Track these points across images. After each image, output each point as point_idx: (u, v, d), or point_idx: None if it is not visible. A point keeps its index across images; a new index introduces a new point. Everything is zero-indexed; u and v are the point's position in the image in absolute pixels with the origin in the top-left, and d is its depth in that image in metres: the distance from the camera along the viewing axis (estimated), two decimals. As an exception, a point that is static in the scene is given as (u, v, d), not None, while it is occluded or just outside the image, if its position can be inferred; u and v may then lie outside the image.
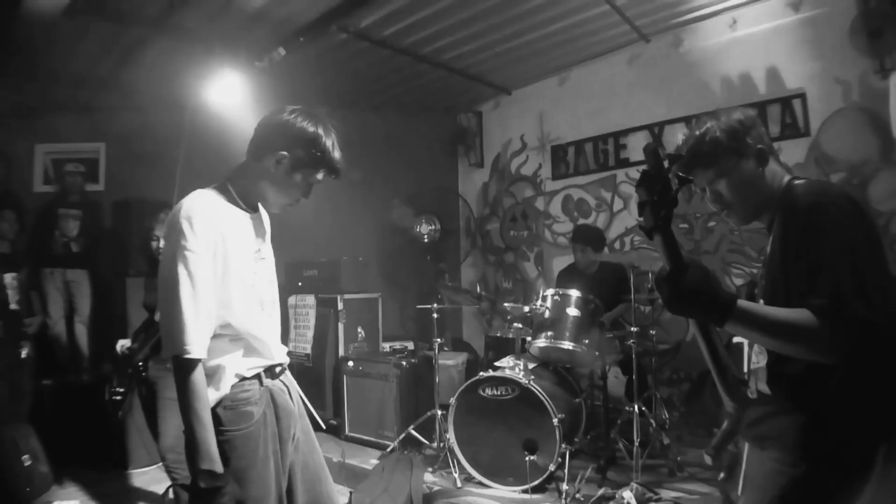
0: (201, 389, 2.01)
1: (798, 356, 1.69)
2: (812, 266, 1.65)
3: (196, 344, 1.99)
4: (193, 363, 1.99)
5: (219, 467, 1.97)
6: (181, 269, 2.00)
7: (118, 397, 4.21)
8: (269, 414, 2.21)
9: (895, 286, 1.68)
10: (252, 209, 2.32)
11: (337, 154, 2.30)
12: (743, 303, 1.60)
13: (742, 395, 1.92)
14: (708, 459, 2.02)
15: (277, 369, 2.33)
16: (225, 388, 2.11)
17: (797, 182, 1.86)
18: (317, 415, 2.56)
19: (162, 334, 2.09)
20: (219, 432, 2.04)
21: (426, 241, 7.92)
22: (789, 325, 1.62)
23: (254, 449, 2.11)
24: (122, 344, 4.21)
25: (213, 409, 2.06)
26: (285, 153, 2.19)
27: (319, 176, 2.29)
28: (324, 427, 2.97)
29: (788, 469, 1.73)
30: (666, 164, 1.53)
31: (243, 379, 2.16)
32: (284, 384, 2.37)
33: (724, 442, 1.97)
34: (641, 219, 1.56)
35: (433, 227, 7.90)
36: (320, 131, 2.26)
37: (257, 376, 2.21)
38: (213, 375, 2.09)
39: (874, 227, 1.73)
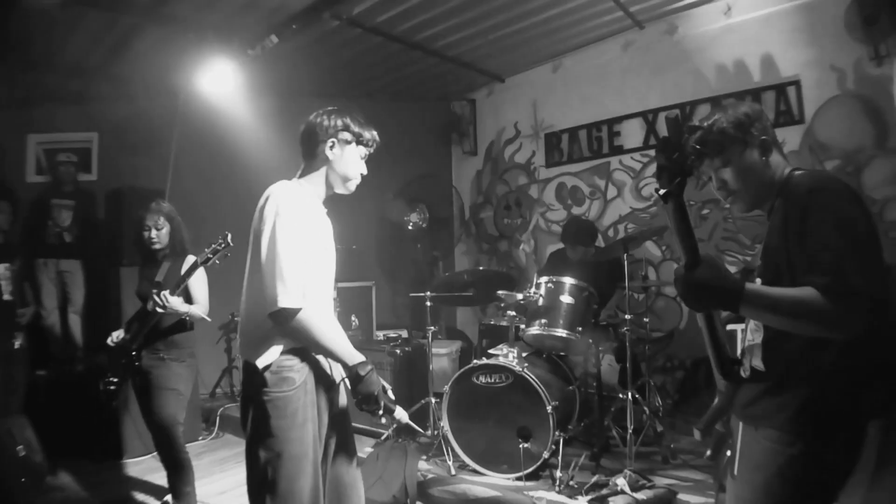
0: (317, 326, 2.37)
1: (809, 334, 1.73)
2: (813, 246, 1.70)
3: (295, 295, 2.30)
4: (294, 313, 2.31)
5: (363, 358, 2.44)
6: (280, 236, 2.34)
7: (112, 387, 4.20)
8: (310, 383, 2.46)
9: (889, 273, 1.71)
10: (324, 207, 2.68)
11: (368, 127, 2.70)
12: (750, 286, 1.70)
13: (735, 374, 1.96)
14: (697, 435, 2.06)
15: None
16: (275, 353, 2.40)
17: (797, 172, 1.94)
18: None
19: (262, 294, 2.35)
20: (263, 393, 2.37)
21: (410, 228, 7.90)
22: (798, 301, 1.66)
23: (293, 411, 2.37)
24: (115, 335, 4.20)
25: (262, 372, 2.37)
26: (333, 138, 2.59)
27: (365, 148, 2.70)
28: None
29: (784, 448, 1.76)
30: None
31: (293, 348, 2.43)
32: (328, 361, 2.58)
33: (713, 419, 2.02)
34: (658, 183, 1.73)
35: (422, 216, 7.89)
36: (349, 115, 2.67)
37: (304, 349, 2.46)
38: (268, 339, 2.41)
39: (871, 215, 1.77)
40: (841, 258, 1.64)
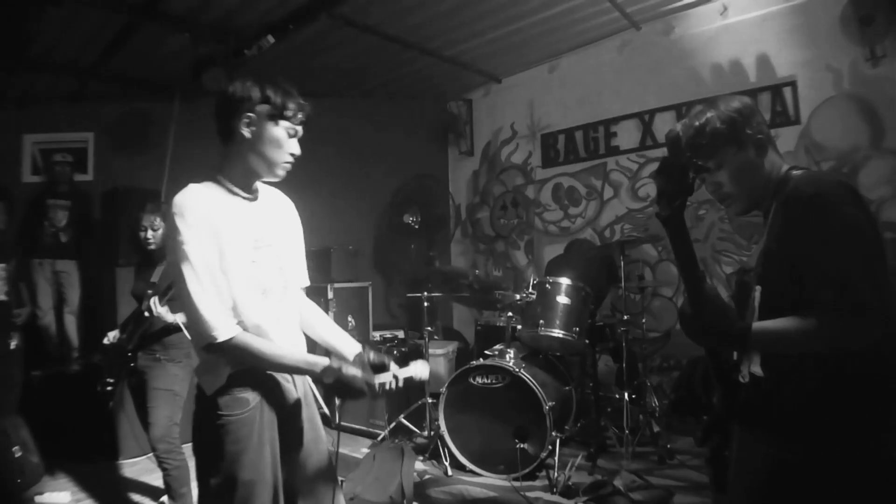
0: (257, 350, 2.10)
1: (812, 350, 1.70)
2: (819, 258, 1.66)
3: (220, 327, 2.04)
4: (227, 344, 2.05)
5: (325, 361, 2.12)
6: (184, 264, 2.03)
7: (108, 388, 4.20)
8: (267, 401, 2.20)
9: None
10: (252, 195, 2.28)
11: (293, 96, 2.21)
12: (756, 327, 1.71)
13: (734, 380, 1.93)
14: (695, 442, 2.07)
15: None
16: (223, 376, 2.13)
17: (795, 172, 1.87)
18: (326, 409, 2.54)
19: (189, 332, 2.15)
20: (216, 416, 2.09)
21: (409, 226, 7.88)
22: (803, 332, 1.65)
23: (248, 434, 2.11)
24: (111, 335, 4.20)
25: (212, 395, 2.11)
26: (250, 114, 2.15)
27: (290, 123, 2.21)
28: (332, 424, 2.98)
29: (781, 453, 1.73)
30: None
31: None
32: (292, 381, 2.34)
33: (712, 427, 1.98)
34: (658, 207, 1.72)
35: (414, 217, 7.88)
36: (269, 81, 2.20)
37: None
38: (215, 363, 2.14)
39: (874, 218, 1.72)
40: (849, 271, 1.60)
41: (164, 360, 4.02)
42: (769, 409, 1.79)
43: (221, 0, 5.39)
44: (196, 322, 2.04)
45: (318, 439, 2.44)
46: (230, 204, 2.21)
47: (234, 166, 2.23)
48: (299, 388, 2.36)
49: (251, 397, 2.14)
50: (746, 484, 1.83)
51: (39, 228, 6.44)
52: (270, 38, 5.65)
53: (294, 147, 2.23)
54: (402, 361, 2.28)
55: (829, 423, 1.68)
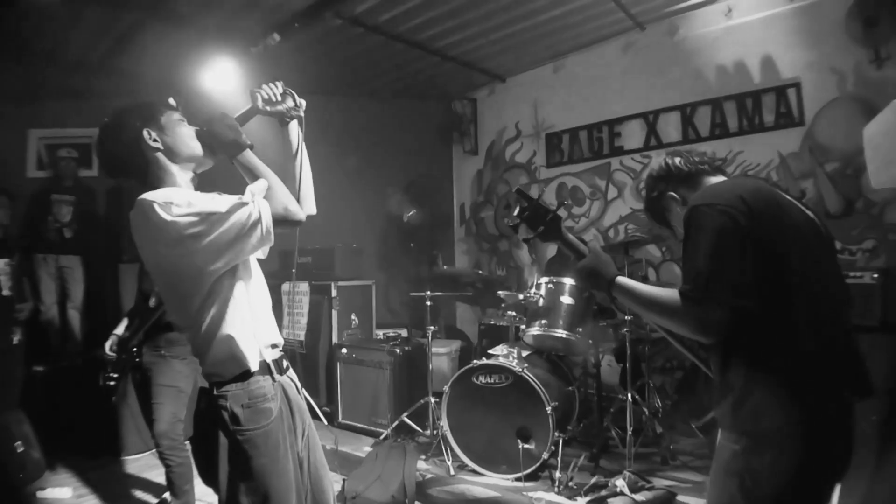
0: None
1: (676, 332, 2.00)
2: (684, 258, 1.92)
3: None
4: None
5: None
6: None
7: (111, 383, 4.21)
8: (285, 409, 2.22)
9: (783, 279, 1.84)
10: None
11: (156, 99, 2.31)
12: (623, 279, 2.08)
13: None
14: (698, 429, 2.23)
15: (285, 364, 2.33)
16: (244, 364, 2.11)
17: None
18: (318, 408, 2.57)
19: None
20: (239, 432, 2.06)
21: (410, 224, 7.89)
22: (658, 301, 1.93)
23: (275, 445, 2.11)
24: (111, 342, 4.21)
25: (233, 409, 2.07)
26: (144, 130, 2.19)
27: (175, 116, 2.29)
28: (325, 422, 3.03)
29: (729, 445, 1.89)
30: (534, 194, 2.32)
31: (255, 373, 2.13)
32: (291, 379, 2.37)
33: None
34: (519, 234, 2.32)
35: (418, 216, 7.89)
36: (124, 110, 2.30)
37: (269, 370, 2.19)
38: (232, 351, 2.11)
39: (743, 228, 1.84)
40: (699, 268, 1.82)
41: (169, 357, 4.05)
42: (721, 406, 1.93)
43: (228, -2, 5.40)
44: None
45: (316, 444, 2.46)
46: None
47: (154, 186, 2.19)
48: (291, 393, 2.35)
49: (273, 406, 2.15)
50: (714, 479, 1.97)
51: (43, 224, 6.45)
52: (276, 36, 5.66)
53: (198, 148, 2.29)
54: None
55: (760, 413, 1.82)
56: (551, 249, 7.19)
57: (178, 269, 2.05)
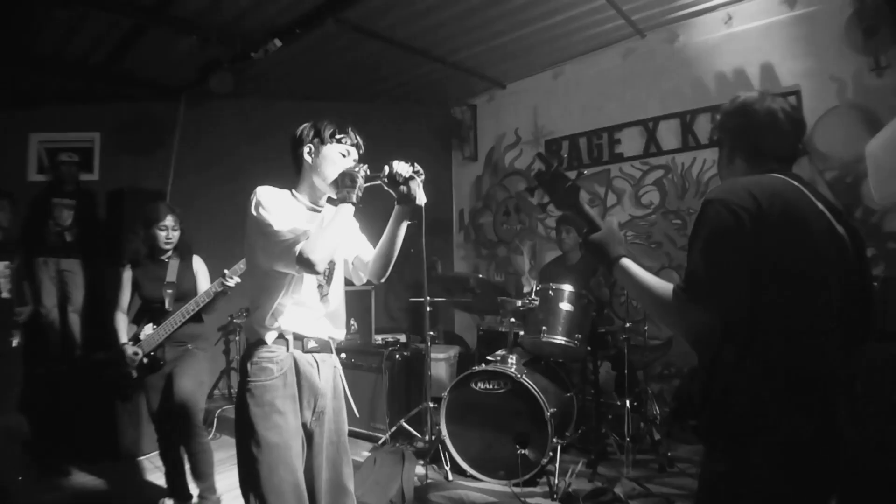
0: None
1: (666, 323, 2.06)
2: (688, 254, 1.88)
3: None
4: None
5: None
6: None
7: (127, 379, 4.29)
8: (291, 377, 2.57)
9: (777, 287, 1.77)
10: (317, 208, 2.81)
11: (337, 124, 2.81)
12: (627, 261, 2.00)
13: None
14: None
15: (310, 344, 2.67)
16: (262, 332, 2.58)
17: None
18: (353, 403, 2.88)
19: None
20: (245, 383, 2.54)
21: (415, 230, 7.89)
22: (653, 293, 1.90)
23: (270, 399, 2.49)
24: (133, 348, 4.26)
25: (245, 365, 2.57)
26: (309, 145, 2.73)
27: (339, 144, 2.81)
28: (357, 415, 3.29)
29: (708, 462, 1.93)
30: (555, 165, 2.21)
31: (273, 341, 2.57)
32: (316, 361, 2.68)
33: None
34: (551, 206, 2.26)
35: (417, 221, 7.89)
36: (314, 122, 2.80)
37: (285, 341, 2.59)
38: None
39: (747, 231, 1.77)
40: (694, 268, 1.80)
41: (194, 349, 4.29)
42: (700, 422, 1.94)
43: (230, 3, 5.41)
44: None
45: (340, 429, 2.77)
46: (298, 208, 2.72)
47: (304, 187, 2.79)
48: (322, 383, 2.69)
49: (276, 368, 2.54)
50: (697, 495, 2.02)
51: (44, 227, 6.46)
52: (277, 42, 5.69)
53: (349, 165, 2.78)
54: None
55: (736, 431, 1.80)
56: (550, 255, 7.20)
57: (252, 251, 2.60)
